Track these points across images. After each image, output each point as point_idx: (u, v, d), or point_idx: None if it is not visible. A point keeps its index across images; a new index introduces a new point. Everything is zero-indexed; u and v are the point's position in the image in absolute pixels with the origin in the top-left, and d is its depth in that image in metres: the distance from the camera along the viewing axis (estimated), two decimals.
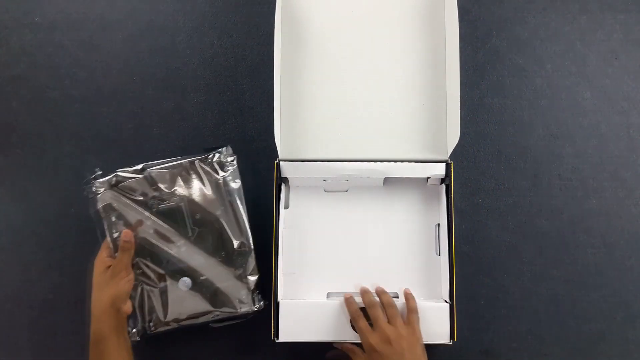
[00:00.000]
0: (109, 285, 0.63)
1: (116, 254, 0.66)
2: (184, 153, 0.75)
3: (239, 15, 0.78)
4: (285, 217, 0.70)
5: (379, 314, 0.62)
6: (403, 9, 0.72)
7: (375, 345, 0.59)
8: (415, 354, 0.59)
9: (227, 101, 0.77)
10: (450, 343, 0.65)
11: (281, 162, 0.68)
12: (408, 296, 0.65)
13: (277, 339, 0.65)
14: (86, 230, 0.75)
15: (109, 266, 0.64)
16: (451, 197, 0.67)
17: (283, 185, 0.70)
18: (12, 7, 0.79)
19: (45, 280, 0.74)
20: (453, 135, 0.67)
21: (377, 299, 0.64)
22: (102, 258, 0.66)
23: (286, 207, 0.70)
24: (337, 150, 0.69)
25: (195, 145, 0.76)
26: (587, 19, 0.78)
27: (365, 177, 0.69)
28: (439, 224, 0.70)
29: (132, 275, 0.65)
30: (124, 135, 0.76)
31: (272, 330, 0.65)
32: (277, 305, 0.65)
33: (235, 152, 0.75)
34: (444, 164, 0.68)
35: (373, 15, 0.72)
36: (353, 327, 0.64)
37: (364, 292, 0.65)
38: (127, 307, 0.64)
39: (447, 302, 0.66)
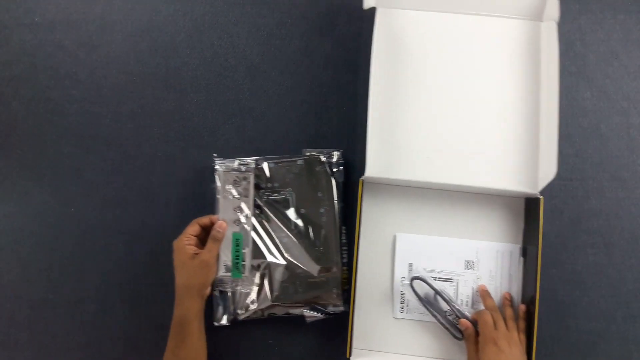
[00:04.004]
0: (197, 273, 0.66)
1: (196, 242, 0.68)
2: (184, 153, 0.76)
3: (239, 15, 0.78)
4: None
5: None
6: (503, 37, 0.72)
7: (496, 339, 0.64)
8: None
9: (227, 101, 0.77)
10: None
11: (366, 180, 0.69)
12: (507, 303, 0.69)
13: (350, 356, 0.67)
14: (86, 230, 0.75)
15: (196, 253, 0.66)
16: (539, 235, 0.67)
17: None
18: (12, 7, 0.79)
19: (45, 280, 0.74)
20: (548, 170, 0.67)
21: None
22: (186, 243, 0.66)
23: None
24: (424, 172, 0.69)
25: (195, 145, 0.76)
26: (587, 19, 0.78)
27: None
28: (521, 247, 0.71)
29: (216, 267, 0.68)
30: (124, 135, 0.76)
31: (348, 348, 0.66)
32: (352, 323, 0.66)
33: (234, 152, 0.76)
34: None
35: (472, 40, 0.72)
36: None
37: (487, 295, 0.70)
38: (208, 292, 0.68)
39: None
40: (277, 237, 0.70)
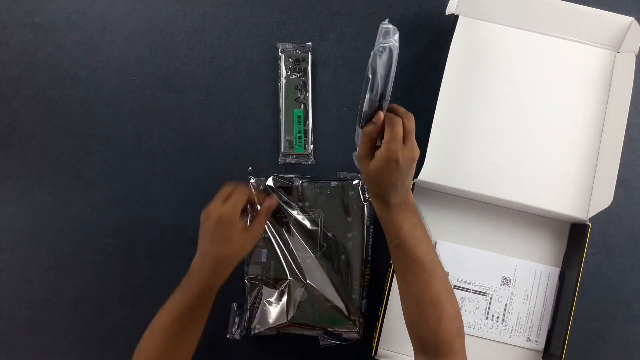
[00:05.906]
0: (245, 247, 0.65)
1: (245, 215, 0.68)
2: (184, 153, 0.76)
3: (239, 15, 0.78)
4: None
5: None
6: (577, 62, 0.72)
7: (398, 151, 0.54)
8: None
9: (227, 101, 0.77)
10: None
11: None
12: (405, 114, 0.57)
13: (375, 355, 0.67)
14: (86, 231, 0.75)
15: (244, 226, 0.64)
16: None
17: None
18: (12, 7, 0.78)
19: (45, 280, 0.74)
20: (603, 198, 0.66)
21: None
22: (234, 215, 0.62)
23: None
24: (476, 184, 0.69)
25: (195, 146, 0.76)
26: None
27: None
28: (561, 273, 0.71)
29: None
30: (124, 135, 0.76)
31: (374, 347, 0.66)
32: (382, 324, 0.66)
33: (235, 153, 0.75)
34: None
35: (545, 61, 0.72)
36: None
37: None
38: None
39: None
40: (301, 257, 0.70)
